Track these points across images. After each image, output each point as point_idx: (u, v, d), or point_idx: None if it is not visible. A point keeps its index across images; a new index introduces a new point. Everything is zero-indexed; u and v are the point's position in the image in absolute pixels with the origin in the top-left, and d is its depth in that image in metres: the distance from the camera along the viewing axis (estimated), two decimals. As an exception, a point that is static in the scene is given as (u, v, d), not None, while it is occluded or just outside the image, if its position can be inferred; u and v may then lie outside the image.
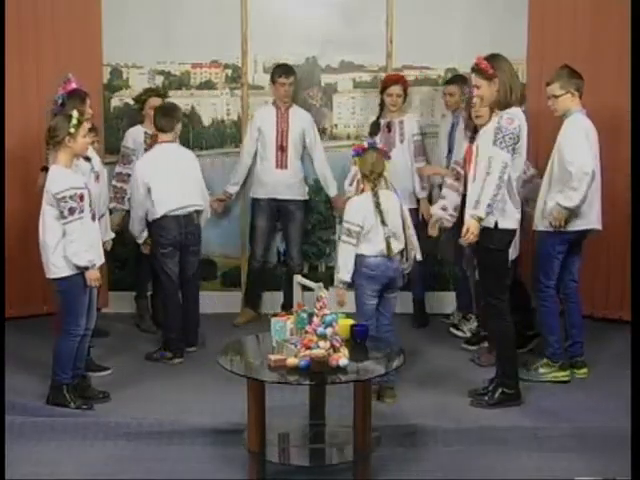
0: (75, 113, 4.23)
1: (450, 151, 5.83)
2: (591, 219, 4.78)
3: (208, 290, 6.25)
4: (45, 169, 4.37)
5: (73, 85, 4.64)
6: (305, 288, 4.13)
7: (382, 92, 5.91)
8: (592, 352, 5.17)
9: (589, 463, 3.85)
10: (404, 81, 5.93)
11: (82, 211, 4.22)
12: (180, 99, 5.97)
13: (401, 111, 5.96)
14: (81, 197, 4.20)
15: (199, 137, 6.27)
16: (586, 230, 4.81)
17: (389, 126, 5.93)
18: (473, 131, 5.06)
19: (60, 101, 4.53)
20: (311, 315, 3.65)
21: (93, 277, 4.27)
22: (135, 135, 5.81)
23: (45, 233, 4.27)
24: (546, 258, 4.78)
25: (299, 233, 6.09)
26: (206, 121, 6.31)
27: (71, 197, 4.16)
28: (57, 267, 4.26)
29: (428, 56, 6.22)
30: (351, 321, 4.01)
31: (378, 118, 5.97)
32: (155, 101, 5.71)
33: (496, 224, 4.29)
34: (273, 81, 5.96)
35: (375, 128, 5.95)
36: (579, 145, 4.61)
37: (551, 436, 4.10)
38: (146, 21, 6.14)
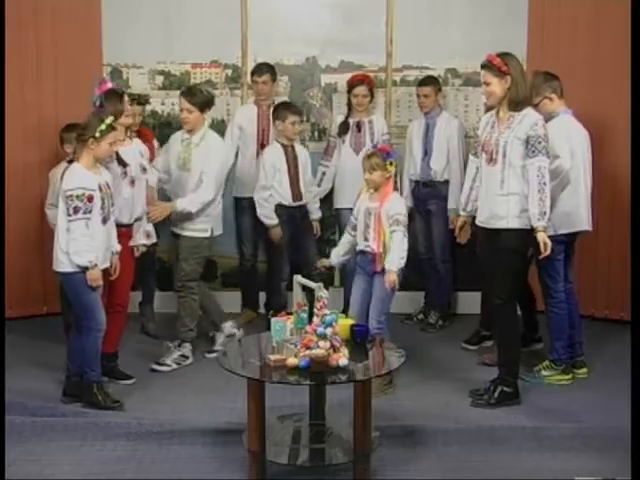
0: (109, 119, 4.24)
1: (427, 154, 5.86)
2: (582, 220, 4.80)
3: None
4: (70, 162, 4.34)
5: (108, 85, 4.57)
6: (305, 288, 4.12)
7: (349, 92, 5.91)
8: (593, 352, 5.18)
9: (589, 463, 3.85)
10: (369, 81, 5.92)
11: (89, 212, 4.22)
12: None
13: (369, 111, 5.96)
14: (90, 198, 4.20)
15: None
16: (578, 232, 4.83)
17: (359, 126, 5.93)
18: None
19: (98, 102, 4.45)
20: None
21: (93, 277, 4.27)
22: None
23: (58, 225, 4.31)
24: (548, 262, 4.78)
25: None
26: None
27: (78, 197, 4.17)
28: (61, 262, 4.30)
29: (428, 56, 6.22)
30: (351, 321, 4.01)
31: (347, 118, 5.95)
32: (135, 109, 5.29)
33: (531, 227, 4.31)
34: (252, 80, 5.94)
35: (344, 128, 5.93)
36: (556, 146, 4.60)
37: (551, 436, 4.10)
38: (146, 21, 6.14)
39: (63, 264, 4.29)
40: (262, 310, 6.28)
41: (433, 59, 6.24)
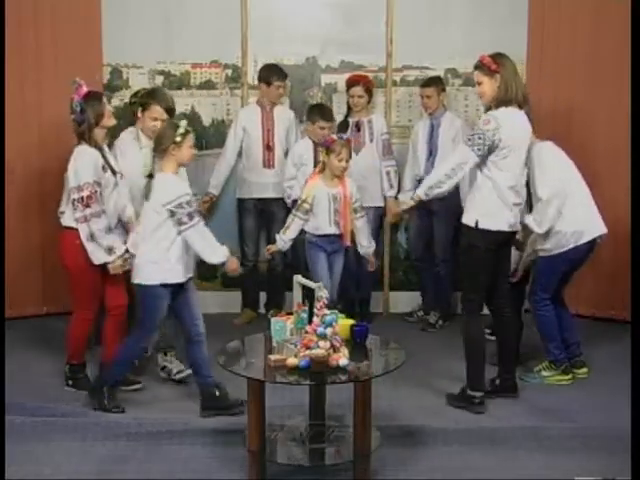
0: (183, 122, 4.25)
1: (431, 154, 5.87)
2: (593, 229, 4.78)
3: (208, 290, 6.25)
4: (150, 176, 4.26)
5: (84, 89, 4.56)
6: (305, 288, 4.12)
7: (347, 92, 5.95)
8: (593, 352, 5.18)
9: (589, 463, 3.85)
10: (366, 81, 5.92)
11: (198, 212, 4.29)
12: (180, 99, 5.96)
13: (368, 110, 5.97)
14: (190, 202, 4.21)
15: (199, 137, 6.17)
16: (590, 242, 4.79)
17: (358, 125, 5.94)
18: None
19: (79, 108, 4.44)
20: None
21: (233, 267, 4.39)
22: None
23: (146, 237, 4.23)
24: (547, 276, 4.78)
25: None
26: (206, 121, 6.31)
27: (187, 203, 4.16)
28: (148, 273, 4.24)
29: (428, 56, 6.22)
30: (351, 321, 4.01)
31: (346, 117, 5.98)
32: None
33: (477, 223, 4.30)
34: (267, 82, 5.91)
35: (343, 127, 5.94)
36: (548, 168, 4.61)
37: (551, 436, 4.10)
38: (146, 21, 6.13)
39: (150, 275, 4.25)
40: (262, 310, 6.29)
41: (433, 59, 6.24)
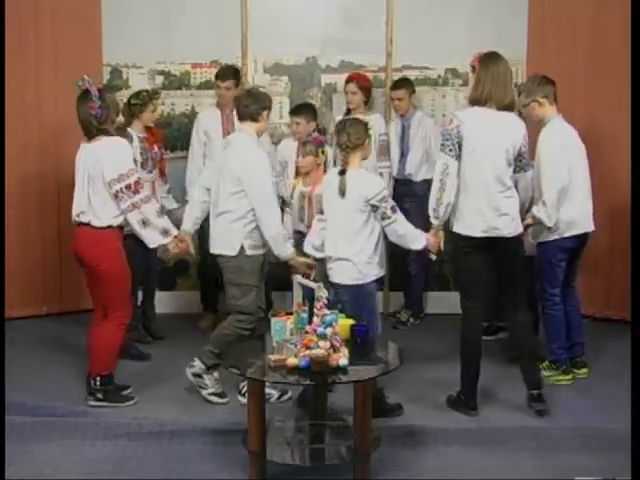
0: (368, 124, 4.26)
1: (403, 155, 5.93)
2: (585, 223, 4.79)
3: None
4: (342, 173, 4.20)
5: (94, 86, 4.48)
6: (305, 288, 4.11)
7: (344, 90, 5.95)
8: (593, 352, 5.18)
9: (589, 463, 3.84)
10: (362, 79, 5.91)
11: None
12: (180, 99, 5.96)
13: (367, 111, 5.94)
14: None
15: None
16: (584, 234, 4.81)
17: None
18: None
19: (98, 103, 4.29)
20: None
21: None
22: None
23: (360, 234, 4.21)
24: (548, 267, 4.77)
25: None
26: (206, 121, 6.31)
27: (387, 196, 4.21)
28: (366, 274, 4.24)
29: (428, 56, 6.23)
30: (351, 321, 4.01)
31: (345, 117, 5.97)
32: (157, 103, 5.45)
33: (452, 226, 4.33)
34: (215, 84, 5.83)
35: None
36: (552, 164, 4.59)
37: (551, 436, 4.10)
38: (146, 21, 6.14)
39: (368, 276, 4.24)
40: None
41: (433, 59, 6.24)
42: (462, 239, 4.28)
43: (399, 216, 4.22)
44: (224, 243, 4.45)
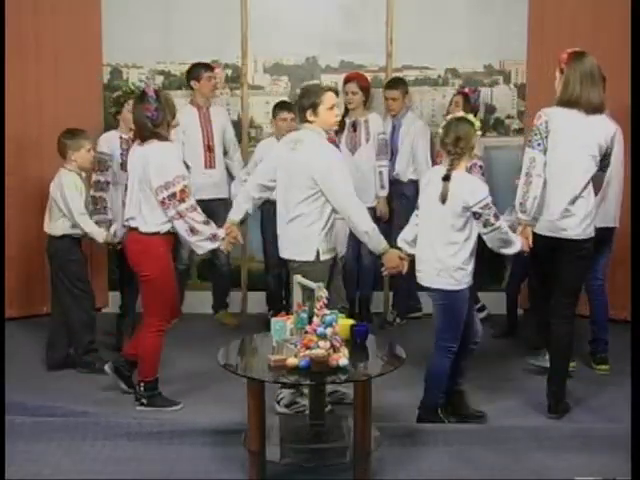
0: (478, 123, 4.16)
1: (393, 154, 5.95)
2: (609, 217, 4.85)
3: (208, 290, 6.27)
4: (446, 178, 4.06)
5: (151, 88, 4.45)
6: (304, 288, 4.12)
7: (343, 90, 5.93)
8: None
9: (589, 463, 3.84)
10: (361, 79, 5.92)
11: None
12: (180, 99, 5.94)
13: (365, 110, 5.96)
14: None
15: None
16: (606, 228, 4.84)
17: (354, 125, 5.94)
18: None
19: (154, 106, 4.26)
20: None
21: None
22: (110, 140, 5.43)
23: (443, 239, 4.07)
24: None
25: None
26: (205, 121, 6.31)
27: (489, 204, 4.00)
28: (456, 280, 4.07)
29: (428, 56, 6.23)
30: (351, 321, 4.01)
31: (343, 117, 5.94)
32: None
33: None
34: (197, 78, 5.85)
35: (340, 127, 5.92)
36: None
37: (551, 436, 4.10)
38: (146, 21, 6.14)
39: (460, 282, 4.09)
40: (256, 311, 6.28)
41: (433, 59, 6.24)
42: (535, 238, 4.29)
43: (502, 223, 4.04)
44: (299, 249, 4.29)
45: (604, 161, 4.30)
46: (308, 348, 3.52)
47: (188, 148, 5.80)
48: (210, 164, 5.91)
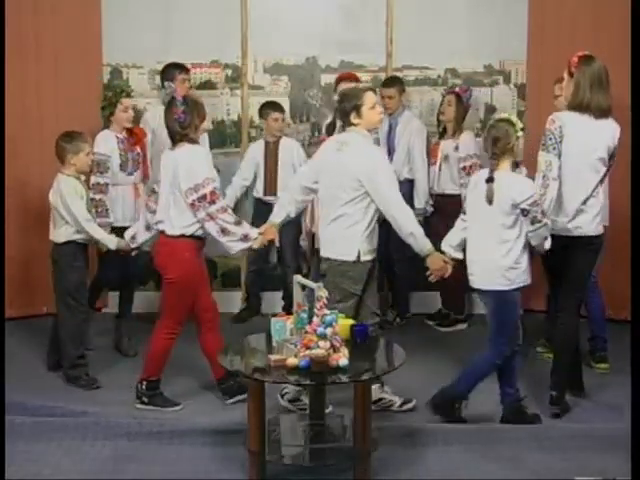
0: (517, 122, 4.16)
1: (390, 154, 5.91)
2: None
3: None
4: (490, 180, 4.08)
5: (179, 91, 4.48)
6: (304, 288, 4.12)
7: (334, 90, 5.85)
8: (592, 352, 5.19)
9: (589, 463, 3.84)
10: (353, 79, 5.83)
11: None
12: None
13: None
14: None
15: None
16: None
17: (344, 126, 5.89)
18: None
19: (182, 107, 4.29)
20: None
21: None
22: (107, 140, 5.31)
23: (496, 239, 4.09)
24: None
25: None
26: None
27: (537, 201, 4.06)
28: (507, 279, 4.10)
29: (428, 56, 6.23)
30: (351, 321, 4.01)
31: (334, 118, 5.94)
32: (127, 102, 5.37)
33: None
34: (172, 79, 5.64)
35: (331, 128, 5.88)
36: None
37: (551, 436, 4.10)
38: (146, 21, 6.14)
39: (513, 282, 4.10)
40: (264, 311, 6.29)
41: (433, 59, 6.25)
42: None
43: (547, 219, 4.11)
44: (339, 248, 4.27)
45: (611, 160, 4.39)
46: (308, 348, 3.52)
47: (156, 149, 5.66)
48: None
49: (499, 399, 4.31)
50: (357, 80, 5.95)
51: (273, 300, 6.28)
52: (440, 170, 5.92)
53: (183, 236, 4.31)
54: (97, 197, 5.20)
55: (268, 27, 6.18)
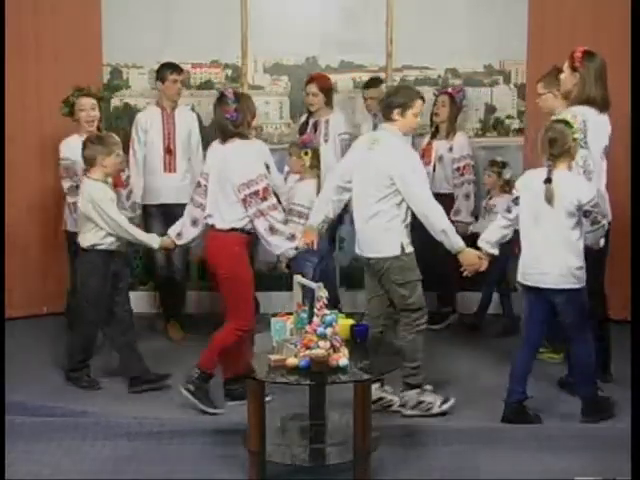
0: (574, 123, 4.15)
1: None
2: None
3: (208, 290, 6.26)
4: (548, 181, 4.06)
5: (227, 91, 4.43)
6: (304, 288, 4.12)
7: (304, 90, 5.90)
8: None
9: (589, 463, 3.84)
10: (321, 80, 5.86)
11: None
12: (180, 99, 5.94)
13: (327, 110, 5.87)
14: None
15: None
16: None
17: (315, 126, 5.87)
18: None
19: (234, 106, 4.28)
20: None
21: None
22: (71, 146, 5.14)
23: (562, 239, 4.10)
24: None
25: None
26: (206, 121, 6.28)
27: (597, 203, 4.11)
28: (577, 276, 4.13)
29: (428, 56, 6.23)
30: (351, 321, 4.01)
31: (308, 118, 5.91)
32: (86, 102, 5.24)
33: None
34: (162, 79, 5.68)
35: (302, 128, 5.89)
36: None
37: (551, 436, 4.09)
38: (146, 21, 6.15)
39: (581, 279, 4.12)
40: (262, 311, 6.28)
41: (433, 59, 6.24)
42: None
43: (605, 220, 4.16)
44: (382, 246, 4.28)
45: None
46: (308, 348, 3.52)
47: (148, 150, 5.67)
48: (170, 168, 5.69)
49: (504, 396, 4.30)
50: (326, 82, 5.87)
51: (273, 300, 6.26)
52: (434, 171, 5.91)
53: (233, 230, 4.31)
54: (71, 200, 5.16)
55: (268, 27, 6.18)
